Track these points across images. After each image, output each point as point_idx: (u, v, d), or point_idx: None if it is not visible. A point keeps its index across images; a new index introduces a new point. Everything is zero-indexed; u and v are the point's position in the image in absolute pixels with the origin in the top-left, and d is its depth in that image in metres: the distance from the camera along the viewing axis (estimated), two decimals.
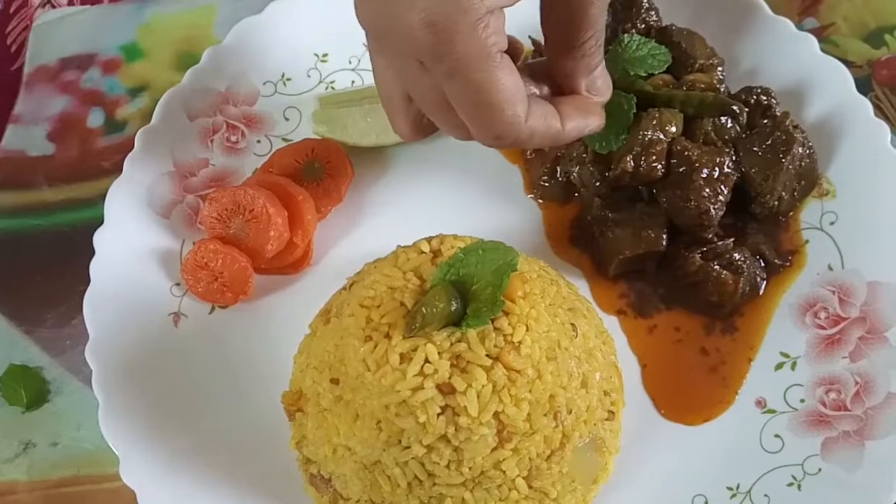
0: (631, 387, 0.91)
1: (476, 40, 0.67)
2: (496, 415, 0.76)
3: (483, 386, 0.76)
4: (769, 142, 0.93)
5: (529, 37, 1.00)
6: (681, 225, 0.93)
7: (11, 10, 1.21)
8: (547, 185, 1.00)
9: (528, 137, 0.74)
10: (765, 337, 0.92)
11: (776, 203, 0.94)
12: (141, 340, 0.93)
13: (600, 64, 0.81)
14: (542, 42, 0.80)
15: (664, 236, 0.93)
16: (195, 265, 0.95)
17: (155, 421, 0.89)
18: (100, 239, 0.96)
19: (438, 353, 0.76)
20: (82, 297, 0.93)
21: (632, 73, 0.93)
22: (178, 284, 0.97)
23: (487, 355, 0.76)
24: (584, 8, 0.75)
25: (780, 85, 0.98)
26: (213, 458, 0.89)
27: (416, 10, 0.66)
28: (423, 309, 0.76)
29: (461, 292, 0.77)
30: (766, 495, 0.84)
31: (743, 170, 0.93)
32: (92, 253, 0.95)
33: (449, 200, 1.00)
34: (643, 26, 1.00)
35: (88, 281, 0.94)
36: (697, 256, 0.92)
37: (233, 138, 1.04)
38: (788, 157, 0.92)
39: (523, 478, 0.79)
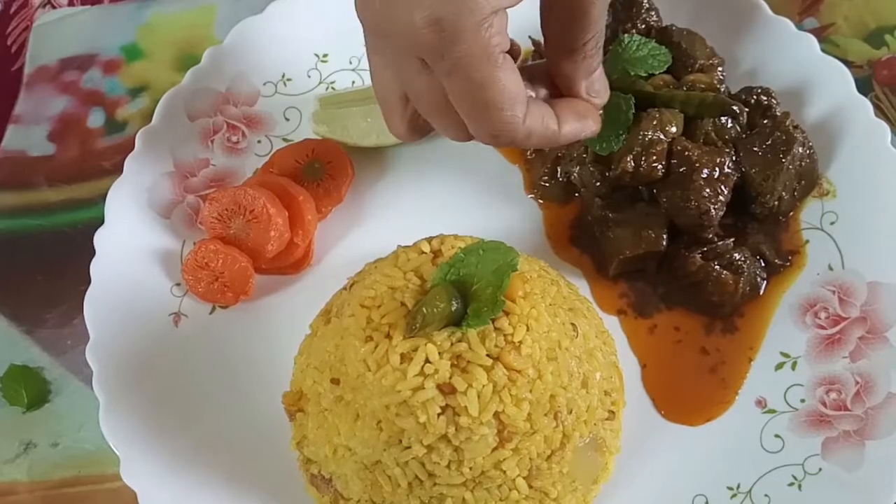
0: (631, 386, 0.91)
1: (480, 40, 0.67)
2: (497, 415, 0.76)
3: (483, 386, 0.76)
4: (769, 142, 0.93)
5: (529, 37, 1.00)
6: (681, 225, 0.93)
7: (12, 10, 1.21)
8: (547, 185, 1.00)
9: (525, 137, 0.74)
10: (765, 337, 0.92)
11: (776, 203, 0.94)
12: (141, 341, 0.93)
13: (600, 66, 0.81)
14: (542, 43, 0.80)
15: (664, 236, 0.93)
16: (196, 265, 0.95)
17: (156, 421, 0.90)
18: (100, 239, 0.96)
19: (439, 353, 0.76)
20: (83, 298, 0.93)
21: (632, 74, 0.93)
22: (178, 284, 0.97)
23: (488, 355, 0.76)
24: (585, 9, 0.75)
25: (780, 85, 0.98)
26: (213, 459, 0.89)
27: (421, 9, 0.66)
28: (424, 309, 0.76)
29: (462, 292, 0.77)
30: (766, 495, 0.84)
31: (743, 170, 0.93)
32: (92, 253, 0.95)
33: (449, 201, 1.00)
34: (643, 26, 1.00)
35: (89, 281, 0.94)
36: (698, 256, 0.92)
37: (233, 138, 1.04)
38: (789, 157, 0.92)
39: (524, 478, 0.79)
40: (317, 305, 0.91)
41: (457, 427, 0.76)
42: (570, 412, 0.80)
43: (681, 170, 0.91)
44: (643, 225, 0.93)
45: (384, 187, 1.02)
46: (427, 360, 0.76)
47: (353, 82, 1.06)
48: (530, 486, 0.80)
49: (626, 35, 0.95)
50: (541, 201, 1.01)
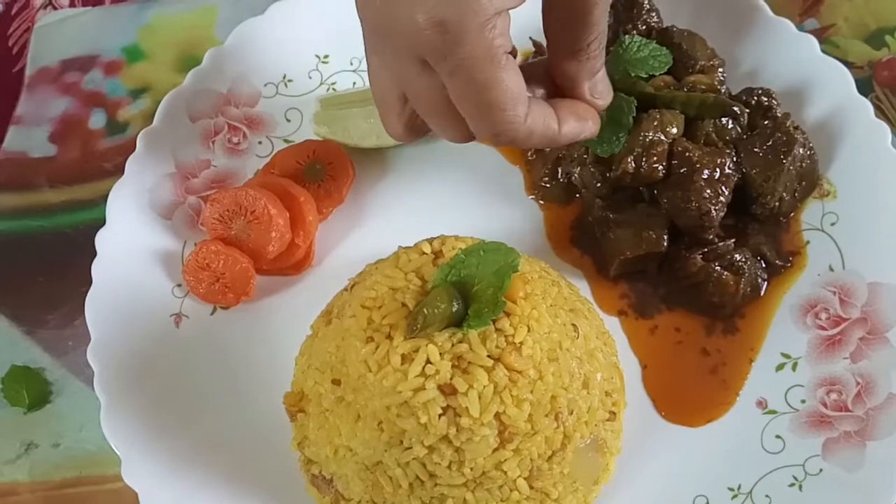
0: (632, 387, 0.91)
1: (483, 41, 0.67)
2: (497, 415, 0.76)
3: (484, 387, 0.76)
4: (770, 143, 0.93)
5: (530, 38, 1.00)
6: (682, 226, 0.93)
7: (13, 11, 1.21)
8: (548, 185, 1.00)
9: (526, 137, 0.75)
10: (766, 338, 0.92)
11: (777, 204, 0.94)
12: (143, 341, 0.93)
13: (603, 67, 0.81)
14: (543, 44, 0.80)
15: (665, 237, 0.93)
16: (197, 266, 0.95)
17: (157, 422, 0.90)
18: (101, 240, 0.96)
19: (440, 353, 0.76)
20: (84, 298, 0.93)
21: (633, 75, 0.93)
22: (179, 285, 0.97)
23: (489, 356, 0.76)
24: (588, 10, 0.75)
25: (780, 86, 0.98)
26: (214, 459, 0.89)
27: (424, 9, 0.66)
28: (425, 310, 0.76)
29: (462, 293, 0.77)
30: (767, 496, 0.84)
31: (744, 171, 0.93)
32: (94, 254, 0.95)
33: (450, 201, 1.00)
34: (644, 27, 1.00)
35: (90, 282, 0.94)
36: (698, 257, 0.92)
37: (234, 139, 1.04)
38: (789, 158, 0.92)
39: (524, 478, 0.79)
40: (318, 306, 0.91)
41: (458, 428, 0.76)
42: (571, 413, 0.80)
43: (681, 171, 0.92)
44: (644, 226, 0.93)
45: (385, 188, 1.02)
46: (428, 361, 0.76)
47: (354, 83, 1.06)
48: (531, 487, 0.80)
49: (626, 36, 0.95)
50: (541, 202, 1.01)
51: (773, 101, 0.96)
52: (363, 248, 0.98)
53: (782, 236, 0.95)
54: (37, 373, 0.98)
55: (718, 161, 0.92)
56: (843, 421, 0.86)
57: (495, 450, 0.77)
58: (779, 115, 0.95)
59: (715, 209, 0.91)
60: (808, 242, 0.95)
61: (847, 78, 0.97)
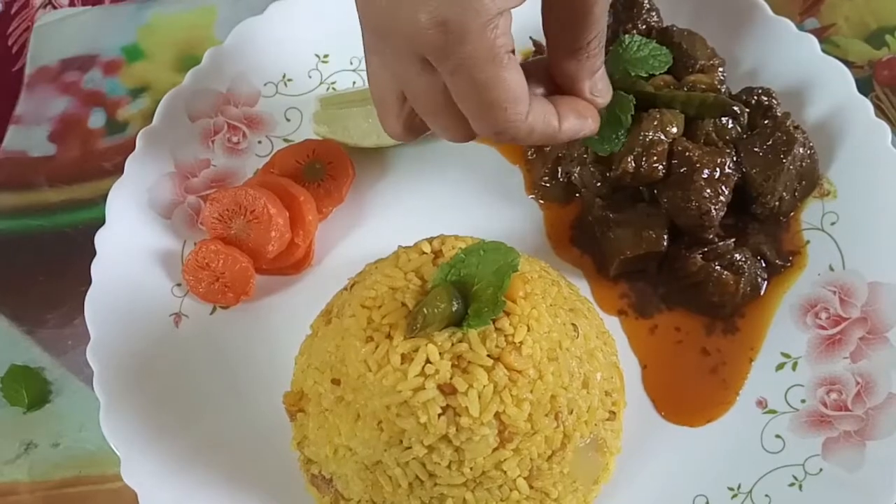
0: (632, 387, 0.91)
1: (486, 41, 0.68)
2: (497, 415, 0.76)
3: (484, 386, 0.76)
4: (770, 142, 0.93)
5: (530, 37, 1.00)
6: (682, 225, 0.93)
7: (13, 11, 1.21)
8: (548, 185, 1.00)
9: (527, 134, 0.75)
10: (766, 337, 0.92)
11: (777, 203, 0.94)
12: (142, 341, 0.93)
13: (602, 66, 0.81)
14: (543, 43, 0.80)
15: (665, 237, 0.93)
16: (196, 266, 0.95)
17: (156, 421, 0.90)
18: (101, 239, 0.96)
19: (440, 353, 0.76)
20: (83, 298, 0.93)
21: (633, 74, 0.93)
22: (179, 285, 0.97)
23: (489, 356, 0.76)
24: (587, 9, 0.75)
25: (780, 85, 0.98)
26: (214, 459, 0.89)
27: (426, 9, 0.66)
28: (425, 309, 0.75)
29: (462, 293, 0.77)
30: (767, 495, 0.84)
31: (744, 170, 0.93)
32: (93, 253, 0.95)
33: (450, 201, 1.00)
34: (644, 27, 1.00)
35: (90, 281, 0.94)
36: (698, 257, 0.92)
37: (234, 139, 1.04)
38: (789, 158, 0.92)
39: (524, 478, 0.79)
40: (317, 306, 0.91)
41: (457, 427, 0.76)
42: (571, 412, 0.80)
43: (681, 170, 0.91)
44: (644, 225, 0.93)
45: (385, 188, 1.02)
46: (428, 361, 0.76)
47: (354, 83, 1.06)
48: (531, 487, 0.80)
49: (626, 35, 0.95)
50: (541, 202, 1.01)
51: (773, 100, 0.96)
52: (363, 247, 0.98)
53: (782, 236, 0.95)
54: (36, 372, 0.98)
55: (718, 160, 0.92)
56: (842, 421, 0.86)
57: (495, 449, 0.77)
58: (779, 114, 0.95)
59: (715, 209, 0.90)
60: (808, 242, 0.95)
61: (847, 77, 0.97)
